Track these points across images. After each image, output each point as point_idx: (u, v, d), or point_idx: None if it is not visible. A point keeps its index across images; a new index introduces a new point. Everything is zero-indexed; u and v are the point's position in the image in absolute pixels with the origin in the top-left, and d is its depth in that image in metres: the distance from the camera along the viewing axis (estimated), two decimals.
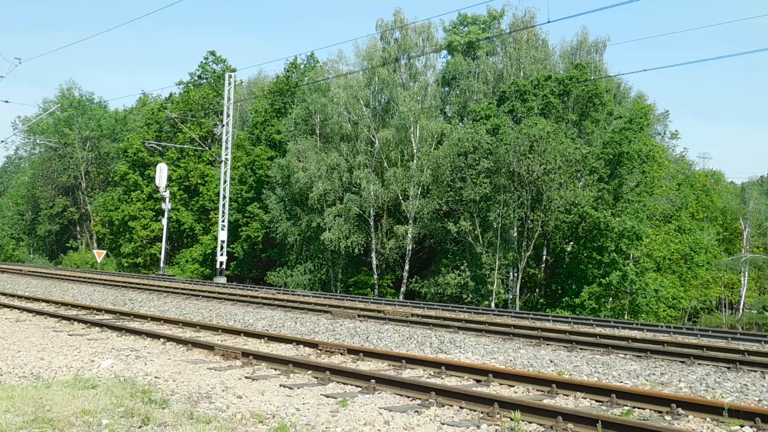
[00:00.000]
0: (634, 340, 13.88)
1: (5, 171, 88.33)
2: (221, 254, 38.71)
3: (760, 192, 57.99)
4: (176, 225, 51.87)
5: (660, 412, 7.63)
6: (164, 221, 43.52)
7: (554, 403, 8.06)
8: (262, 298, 22.38)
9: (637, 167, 31.07)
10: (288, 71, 50.36)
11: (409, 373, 9.83)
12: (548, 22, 43.99)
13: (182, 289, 24.43)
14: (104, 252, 53.52)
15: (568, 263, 32.65)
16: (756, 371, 10.35)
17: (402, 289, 37.05)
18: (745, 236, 52.80)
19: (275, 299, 21.59)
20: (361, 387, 8.57)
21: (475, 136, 30.99)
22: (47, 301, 19.96)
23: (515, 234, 31.58)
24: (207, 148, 48.79)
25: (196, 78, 56.04)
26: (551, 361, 11.29)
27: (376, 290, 37.72)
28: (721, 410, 7.30)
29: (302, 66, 50.97)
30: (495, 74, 41.09)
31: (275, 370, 9.75)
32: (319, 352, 11.54)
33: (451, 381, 9.39)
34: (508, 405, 7.19)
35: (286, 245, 40.96)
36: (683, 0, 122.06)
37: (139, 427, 6.11)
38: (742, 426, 7.04)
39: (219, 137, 45.62)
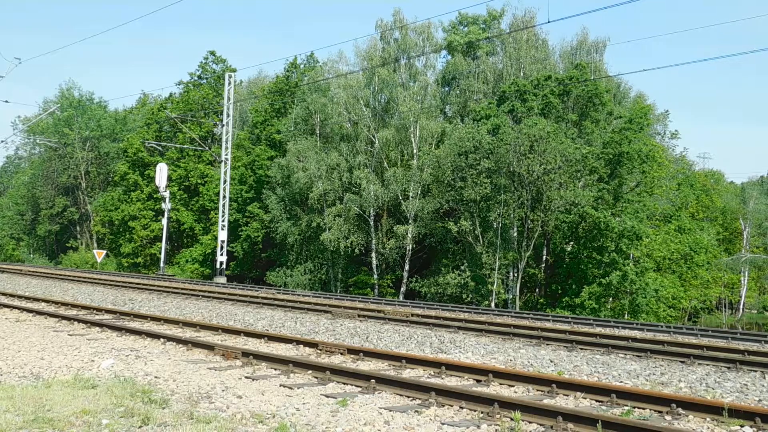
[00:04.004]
0: (634, 340, 13.88)
1: (5, 171, 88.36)
2: (221, 254, 38.71)
3: (760, 192, 57.87)
4: (176, 225, 51.87)
5: (660, 412, 7.63)
6: (164, 221, 43.53)
7: (554, 403, 8.06)
8: (262, 298, 22.38)
9: (637, 167, 31.06)
10: (288, 71, 50.36)
11: (409, 373, 9.83)
12: (548, 22, 43.92)
13: (182, 289, 24.42)
14: (104, 252, 53.51)
15: (568, 263, 32.64)
16: (756, 371, 10.35)
17: (402, 289, 37.05)
18: (745, 236, 52.76)
19: (275, 299, 21.59)
20: (361, 387, 8.57)
21: (476, 136, 30.99)
22: (47, 301, 19.95)
23: (515, 234, 31.58)
24: (207, 148, 48.78)
25: (196, 78, 56.05)
26: (551, 361, 11.29)
27: (376, 290, 37.72)
28: (721, 410, 7.30)
29: (302, 66, 50.98)
30: (495, 74, 41.09)
31: (275, 370, 9.75)
32: (319, 352, 11.54)
33: (451, 381, 9.39)
34: (508, 405, 7.19)
35: (286, 245, 40.96)
36: (683, 0, 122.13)
37: (139, 427, 6.11)
38: (742, 426, 7.04)
39: (219, 137, 45.60)
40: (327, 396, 8.06)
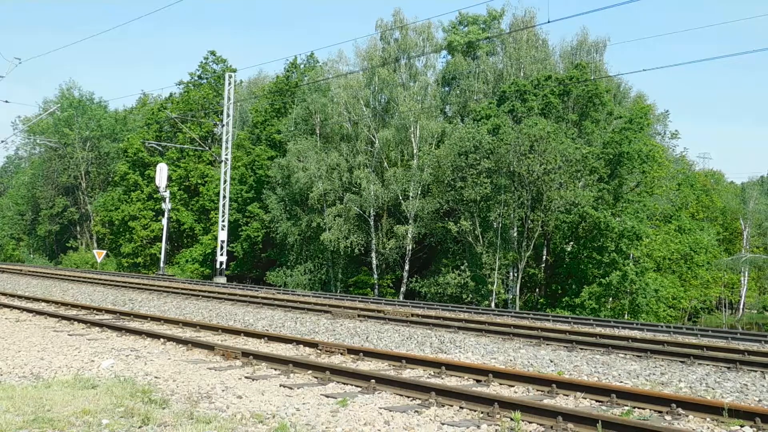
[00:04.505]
0: (634, 340, 13.88)
1: (5, 171, 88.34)
2: (221, 254, 38.70)
3: (760, 192, 57.94)
4: (176, 225, 51.86)
5: (660, 412, 7.63)
6: (164, 221, 43.51)
7: (554, 403, 8.06)
8: (262, 298, 22.38)
9: (637, 167, 31.07)
10: (288, 71, 50.36)
11: (409, 373, 9.83)
12: (548, 22, 44.01)
13: (182, 289, 24.42)
14: (104, 252, 53.51)
15: (568, 263, 32.65)
16: (756, 371, 10.35)
17: (402, 289, 37.05)
18: (745, 236, 52.79)
19: (275, 299, 21.58)
20: (361, 387, 8.56)
21: (476, 136, 31.01)
22: (47, 301, 19.95)
23: (515, 234, 31.59)
24: (207, 148, 48.79)
25: (196, 78, 56.04)
26: (551, 361, 11.28)
27: (376, 290, 37.71)
28: (721, 410, 7.30)
29: (302, 66, 50.98)
30: (495, 74, 41.10)
31: (275, 370, 9.75)
32: (319, 352, 11.54)
33: (451, 381, 9.38)
34: (508, 405, 7.19)
35: (286, 245, 40.96)
36: (683, 0, 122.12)
37: (139, 427, 6.11)
38: (742, 426, 7.04)
39: (219, 137, 45.60)
40: (327, 396, 8.06)
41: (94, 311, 17.66)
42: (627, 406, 7.87)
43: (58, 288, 25.22)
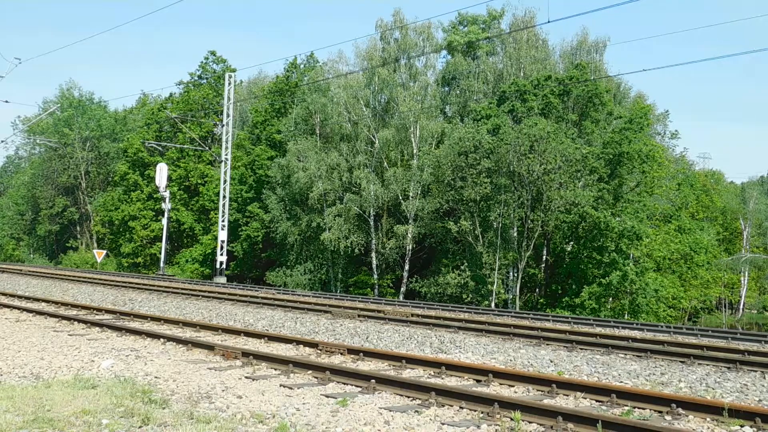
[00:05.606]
0: (634, 340, 13.88)
1: (5, 171, 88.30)
2: (221, 254, 38.69)
3: (760, 192, 58.02)
4: (176, 225, 51.86)
5: (660, 412, 7.62)
6: (164, 221, 43.50)
7: (554, 403, 8.05)
8: (262, 298, 22.37)
9: (637, 167, 31.08)
10: (288, 71, 50.36)
11: (409, 373, 9.82)
12: (548, 22, 44.22)
13: (182, 289, 24.41)
14: (104, 252, 53.51)
15: (568, 263, 32.65)
16: (756, 371, 10.34)
17: (402, 289, 37.05)
18: (745, 236, 52.81)
19: (275, 299, 21.58)
20: (361, 387, 8.56)
21: (476, 136, 31.01)
22: (47, 301, 19.95)
23: (515, 234, 31.58)
24: (207, 148, 48.79)
25: (196, 78, 56.04)
26: (551, 361, 11.28)
27: (376, 290, 37.71)
28: (721, 410, 7.30)
29: (302, 66, 50.99)
30: (495, 74, 41.10)
31: (275, 370, 9.75)
32: (319, 352, 11.53)
33: (451, 381, 9.38)
34: (508, 405, 7.19)
35: (286, 245, 40.96)
36: (683, 0, 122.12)
37: (139, 427, 6.11)
38: (742, 426, 7.04)
39: (219, 137, 45.59)
40: (327, 396, 8.05)
41: (94, 311, 17.66)
42: (627, 406, 7.87)
43: (58, 288, 25.21)
